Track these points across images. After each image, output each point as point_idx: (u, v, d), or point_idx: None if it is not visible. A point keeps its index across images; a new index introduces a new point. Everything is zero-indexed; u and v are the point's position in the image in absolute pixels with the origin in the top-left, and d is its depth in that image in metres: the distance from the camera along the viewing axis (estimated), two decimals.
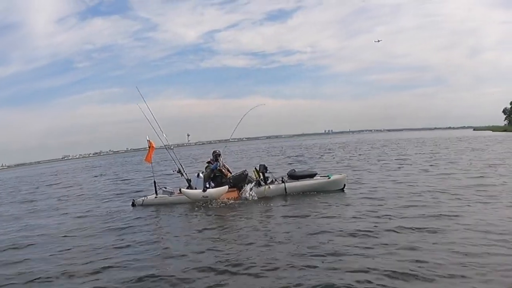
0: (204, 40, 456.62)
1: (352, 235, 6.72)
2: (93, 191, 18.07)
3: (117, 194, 15.36)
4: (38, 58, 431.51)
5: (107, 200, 13.94)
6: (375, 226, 7.15)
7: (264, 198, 10.98)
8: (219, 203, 10.81)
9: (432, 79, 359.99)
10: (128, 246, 7.32)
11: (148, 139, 12.17)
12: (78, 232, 8.82)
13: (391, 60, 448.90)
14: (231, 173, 11.87)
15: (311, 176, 11.55)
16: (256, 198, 10.95)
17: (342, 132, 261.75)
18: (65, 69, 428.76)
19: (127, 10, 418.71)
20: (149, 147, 12.23)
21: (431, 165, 17.23)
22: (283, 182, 11.36)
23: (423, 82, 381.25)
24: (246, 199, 10.99)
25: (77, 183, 24.30)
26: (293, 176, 11.52)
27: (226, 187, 11.16)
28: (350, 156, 27.35)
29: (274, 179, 11.54)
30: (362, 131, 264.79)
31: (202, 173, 11.82)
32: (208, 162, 11.89)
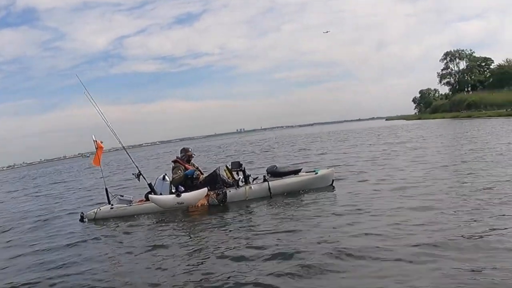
0: (113, 46, 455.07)
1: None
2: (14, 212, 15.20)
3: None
4: None
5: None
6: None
7: (247, 202, 9.28)
8: (195, 211, 8.99)
9: (340, 73, 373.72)
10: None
11: (94, 139, 9.94)
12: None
13: (299, 57, 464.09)
14: (202, 174, 10.04)
15: (296, 172, 9.98)
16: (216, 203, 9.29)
17: (254, 130, 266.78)
18: None
19: (35, 20, 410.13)
20: (96, 148, 10.00)
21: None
22: (265, 180, 9.68)
23: (332, 77, 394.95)
24: (216, 204, 9.27)
25: None
26: (275, 174, 9.83)
27: (205, 189, 9.28)
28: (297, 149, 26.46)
29: (253, 179, 9.87)
30: (274, 128, 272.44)
31: (166, 175, 9.90)
32: (175, 161, 9.94)
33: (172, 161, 10.07)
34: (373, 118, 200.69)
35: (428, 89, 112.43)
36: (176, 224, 8.22)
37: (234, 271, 4.96)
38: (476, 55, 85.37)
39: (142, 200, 9.71)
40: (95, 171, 32.96)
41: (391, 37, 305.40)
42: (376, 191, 8.83)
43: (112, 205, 9.54)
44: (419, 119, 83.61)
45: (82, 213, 9.58)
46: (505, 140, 17.72)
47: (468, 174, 9.78)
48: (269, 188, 9.49)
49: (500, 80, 68.88)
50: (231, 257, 5.51)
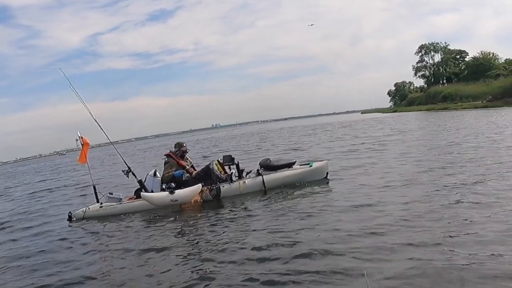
0: (88, 43, 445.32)
1: None
2: None
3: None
4: None
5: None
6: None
7: (241, 197, 9.07)
8: (189, 208, 8.73)
9: (315, 68, 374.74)
10: None
11: (79, 135, 9.53)
12: None
13: (274, 52, 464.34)
14: (195, 169, 9.76)
15: (290, 165, 9.77)
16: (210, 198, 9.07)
17: (229, 125, 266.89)
18: None
19: (9, 18, 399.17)
20: (82, 144, 9.59)
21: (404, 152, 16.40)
22: (259, 174, 9.46)
23: (306, 71, 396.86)
24: (210, 200, 9.04)
25: None
26: (269, 167, 9.60)
27: (199, 185, 9.01)
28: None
29: (246, 173, 9.64)
30: (249, 123, 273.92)
31: (157, 171, 9.57)
32: (168, 155, 9.63)
33: (165, 155, 9.75)
34: (348, 112, 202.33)
35: (403, 82, 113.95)
36: (169, 222, 7.92)
37: (233, 270, 4.81)
38: (451, 48, 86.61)
39: (132, 198, 9.39)
40: (75, 169, 32.35)
41: (366, 32, 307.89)
42: (371, 184, 8.69)
43: (101, 203, 9.18)
44: (395, 111, 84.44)
45: (70, 212, 9.19)
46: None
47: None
48: (263, 182, 9.28)
49: (475, 72, 69.81)
50: (228, 256, 5.32)
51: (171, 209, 8.76)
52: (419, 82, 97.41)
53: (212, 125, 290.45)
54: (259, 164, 9.77)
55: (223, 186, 9.17)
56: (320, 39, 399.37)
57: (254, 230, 6.34)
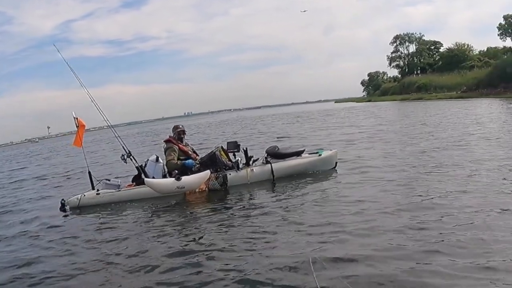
0: (61, 30, 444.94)
1: None
2: None
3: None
4: None
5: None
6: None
7: (249, 186, 8.55)
8: (194, 196, 8.18)
9: (289, 57, 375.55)
10: None
11: (75, 116, 8.77)
12: None
13: (248, 41, 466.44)
14: (197, 154, 9.15)
15: (299, 153, 9.27)
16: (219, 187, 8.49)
17: (201, 114, 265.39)
18: None
19: None
20: (77, 126, 8.83)
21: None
22: (268, 162, 8.95)
23: (280, 60, 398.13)
24: (218, 188, 8.47)
25: None
26: (277, 155, 9.06)
27: (208, 172, 8.38)
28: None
29: (253, 161, 9.10)
30: (221, 111, 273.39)
31: (159, 157, 8.94)
32: (167, 141, 8.99)
33: (164, 141, 9.10)
34: (320, 101, 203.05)
35: (377, 72, 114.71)
36: (173, 212, 7.41)
37: (242, 267, 4.46)
38: (426, 39, 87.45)
39: (131, 185, 8.73)
40: (51, 156, 31.10)
41: (340, 21, 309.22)
42: (383, 177, 8.18)
43: (97, 190, 8.49)
44: (370, 101, 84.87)
45: (62, 200, 8.45)
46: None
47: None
48: (272, 171, 8.77)
49: (449, 63, 70.72)
50: (240, 253, 4.88)
51: (175, 198, 8.20)
52: (393, 72, 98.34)
53: (185, 113, 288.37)
54: (266, 151, 9.22)
55: (230, 174, 8.61)
56: (294, 29, 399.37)
57: (268, 226, 5.81)
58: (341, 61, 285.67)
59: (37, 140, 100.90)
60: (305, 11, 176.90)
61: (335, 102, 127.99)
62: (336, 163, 9.43)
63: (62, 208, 8.32)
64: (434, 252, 4.25)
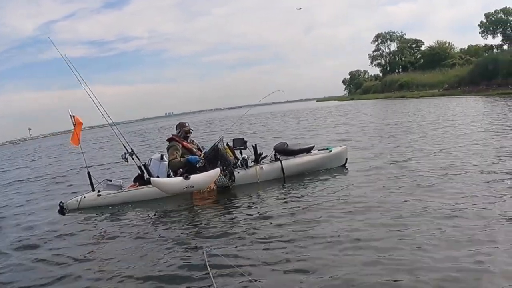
0: (42, 31, 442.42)
1: None
2: None
3: None
4: None
5: None
6: None
7: (259, 185, 8.13)
8: (201, 195, 7.77)
9: (270, 56, 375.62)
10: None
11: (71, 113, 8.21)
12: None
13: (231, 40, 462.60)
14: (201, 151, 8.67)
15: (309, 150, 8.88)
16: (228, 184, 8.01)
17: (183, 114, 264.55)
18: None
19: None
20: (74, 124, 8.28)
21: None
22: (277, 159, 8.54)
23: (262, 60, 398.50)
24: (226, 185, 8.03)
25: None
26: (286, 152, 8.66)
27: (218, 170, 7.88)
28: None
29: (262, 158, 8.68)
30: (203, 111, 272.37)
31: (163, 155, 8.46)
32: (171, 139, 8.50)
33: (167, 140, 8.61)
34: (301, 100, 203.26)
35: (358, 71, 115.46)
36: (181, 213, 6.95)
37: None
38: (407, 37, 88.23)
39: (134, 185, 8.22)
40: (37, 157, 30.14)
41: (322, 20, 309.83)
42: (394, 177, 7.80)
43: (98, 191, 7.96)
44: (352, 99, 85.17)
45: (61, 202, 7.91)
46: None
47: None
48: (282, 169, 8.38)
49: (431, 62, 71.51)
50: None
51: (182, 198, 7.71)
52: (374, 71, 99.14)
53: (166, 114, 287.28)
54: (274, 148, 8.81)
55: (238, 172, 8.19)
56: (276, 28, 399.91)
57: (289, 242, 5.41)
58: (322, 60, 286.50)
59: (19, 142, 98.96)
60: (300, 8, 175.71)
61: (316, 101, 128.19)
62: (346, 159, 9.09)
63: (61, 211, 7.80)
64: None
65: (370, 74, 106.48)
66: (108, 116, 8.54)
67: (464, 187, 6.35)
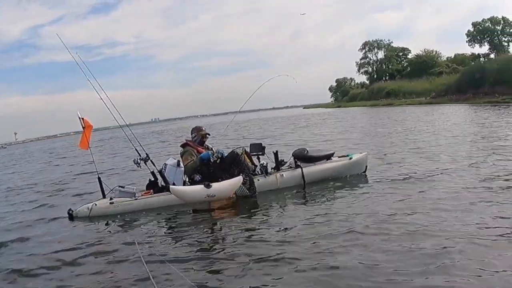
0: (28, 36, 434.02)
1: None
2: None
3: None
4: None
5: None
6: None
7: (279, 192, 7.77)
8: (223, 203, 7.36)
9: (257, 62, 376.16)
10: None
11: (80, 116, 7.74)
12: None
13: (216, 47, 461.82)
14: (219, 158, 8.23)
15: (329, 157, 8.54)
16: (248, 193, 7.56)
17: (168, 120, 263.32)
18: None
19: None
20: (83, 127, 7.81)
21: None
22: (298, 166, 8.19)
23: (248, 66, 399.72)
24: (247, 194, 7.57)
25: None
26: (306, 159, 8.31)
27: (240, 178, 7.43)
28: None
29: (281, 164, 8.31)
30: (189, 117, 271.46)
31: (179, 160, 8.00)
32: (184, 145, 8.06)
33: (181, 145, 8.16)
34: (287, 107, 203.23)
35: (345, 78, 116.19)
36: (201, 223, 6.50)
37: None
38: (394, 45, 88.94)
39: (147, 192, 7.76)
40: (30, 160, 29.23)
41: (309, 27, 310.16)
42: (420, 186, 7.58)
43: (110, 199, 7.49)
44: (339, 107, 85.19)
45: (70, 210, 7.42)
46: None
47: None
48: (303, 176, 8.03)
49: (418, 70, 71.91)
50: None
51: (199, 207, 7.28)
52: (361, 79, 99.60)
53: (152, 119, 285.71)
54: (293, 155, 8.44)
55: (258, 180, 7.80)
56: (262, 34, 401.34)
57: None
58: (309, 67, 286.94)
59: (5, 146, 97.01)
60: (304, 14, 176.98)
61: (303, 108, 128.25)
62: (366, 167, 8.77)
63: (70, 218, 7.31)
64: None
65: (356, 81, 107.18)
66: (123, 119, 8.08)
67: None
